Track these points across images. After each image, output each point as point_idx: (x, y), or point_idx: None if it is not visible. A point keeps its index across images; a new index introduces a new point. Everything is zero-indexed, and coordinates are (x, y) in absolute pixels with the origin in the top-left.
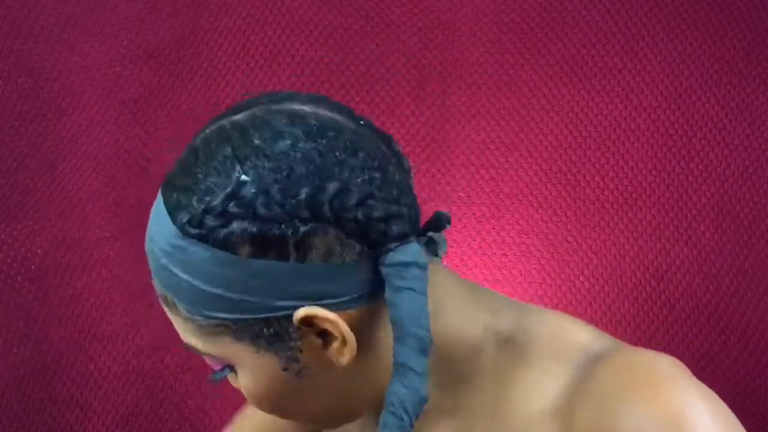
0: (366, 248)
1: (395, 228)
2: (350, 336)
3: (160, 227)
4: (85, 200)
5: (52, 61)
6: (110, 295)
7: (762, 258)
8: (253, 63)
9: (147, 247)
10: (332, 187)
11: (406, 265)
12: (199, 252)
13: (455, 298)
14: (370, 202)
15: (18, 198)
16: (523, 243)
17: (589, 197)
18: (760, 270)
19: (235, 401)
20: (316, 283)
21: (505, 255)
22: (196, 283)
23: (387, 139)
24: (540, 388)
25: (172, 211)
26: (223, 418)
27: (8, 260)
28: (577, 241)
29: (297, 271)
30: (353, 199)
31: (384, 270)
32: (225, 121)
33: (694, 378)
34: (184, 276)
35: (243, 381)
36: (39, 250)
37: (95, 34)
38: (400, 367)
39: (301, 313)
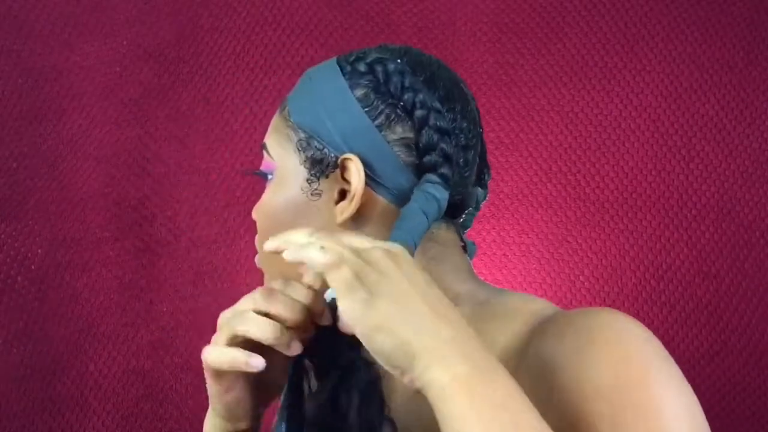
0: (418, 163)
1: (446, 170)
2: (358, 197)
3: (328, 61)
4: (85, 200)
5: (52, 61)
6: (110, 295)
7: (762, 258)
8: (253, 63)
9: (309, 69)
10: (436, 105)
11: (434, 198)
12: (335, 79)
13: (457, 263)
14: (447, 138)
15: (18, 198)
16: (523, 243)
17: (589, 197)
18: (760, 270)
19: None
20: (373, 150)
21: (505, 255)
22: (314, 96)
23: (485, 150)
24: (502, 336)
25: (344, 55)
26: None
27: (8, 260)
28: (577, 241)
29: (371, 133)
30: (442, 123)
31: (416, 191)
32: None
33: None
34: (310, 85)
35: (268, 193)
36: (39, 250)
37: (95, 34)
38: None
39: (346, 155)
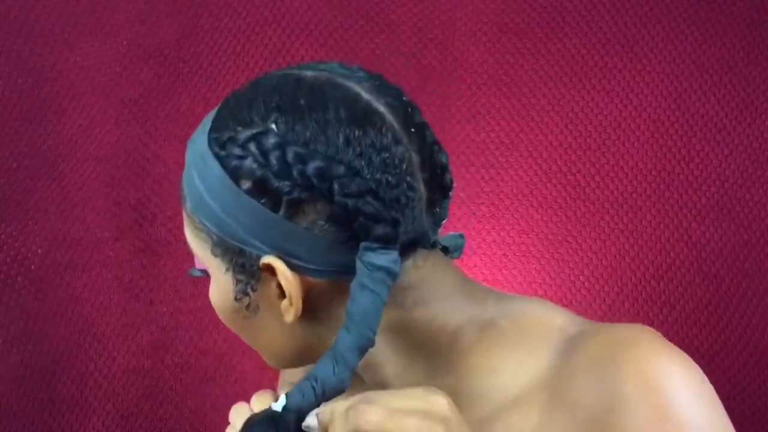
0: (347, 235)
1: (381, 230)
2: (297, 300)
3: (203, 128)
4: (85, 200)
5: (52, 61)
6: (110, 295)
7: (762, 258)
8: (253, 63)
9: (189, 141)
10: (340, 170)
11: (378, 268)
12: (214, 168)
13: (445, 289)
14: (368, 198)
15: (18, 198)
16: (523, 243)
17: (589, 197)
18: (760, 270)
19: (234, 402)
20: (292, 242)
21: (505, 255)
22: (202, 190)
23: (430, 150)
24: (526, 367)
25: (214, 122)
26: (223, 418)
27: (8, 260)
28: (577, 241)
29: (279, 225)
30: (353, 188)
31: (357, 263)
32: (294, 72)
33: (670, 344)
34: (198, 181)
35: (211, 291)
36: (39, 250)
37: (95, 34)
38: (337, 354)
39: (266, 259)
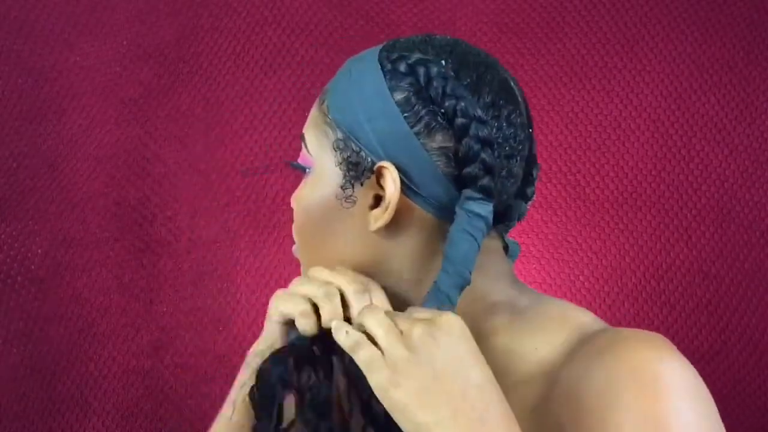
0: (458, 173)
1: (486, 182)
2: (391, 209)
3: (369, 51)
4: (85, 200)
5: (52, 61)
6: (110, 295)
7: (762, 258)
8: (253, 63)
9: (353, 57)
10: (479, 113)
11: (478, 216)
12: (375, 78)
13: (498, 269)
14: (489, 149)
15: (18, 198)
16: (523, 243)
17: (589, 197)
18: (760, 270)
19: None
20: (411, 158)
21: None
22: (353, 93)
23: (532, 155)
24: (539, 353)
25: (386, 46)
26: None
27: (8, 260)
28: (577, 241)
29: (409, 140)
30: (484, 133)
31: (458, 210)
32: (464, 42)
33: (673, 347)
34: (350, 81)
35: (305, 186)
36: (39, 250)
37: (95, 34)
38: (438, 293)
39: (383, 162)
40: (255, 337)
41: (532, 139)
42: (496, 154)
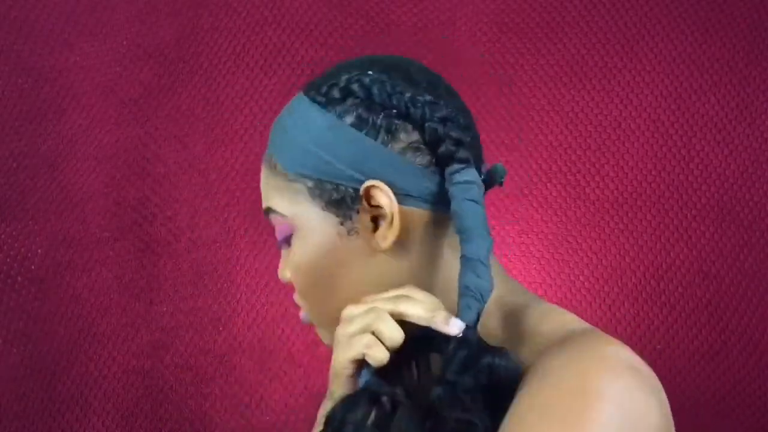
0: (434, 160)
1: (462, 153)
2: (396, 217)
3: (296, 102)
4: (85, 200)
5: (52, 61)
6: (110, 295)
7: (762, 258)
8: (253, 63)
9: (277, 119)
10: (427, 97)
11: (470, 183)
12: (317, 116)
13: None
14: (449, 124)
15: (18, 198)
16: (523, 243)
17: (589, 197)
18: (760, 270)
19: (234, 402)
20: (389, 168)
21: (504, 255)
22: (302, 140)
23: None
24: (525, 351)
25: (309, 88)
26: (223, 419)
27: (8, 260)
28: (577, 241)
29: (378, 152)
30: (440, 112)
31: (450, 189)
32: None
33: (635, 361)
34: (297, 133)
35: (296, 247)
36: (39, 250)
37: (95, 34)
38: (470, 261)
39: (368, 183)
40: (255, 336)
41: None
42: (456, 126)
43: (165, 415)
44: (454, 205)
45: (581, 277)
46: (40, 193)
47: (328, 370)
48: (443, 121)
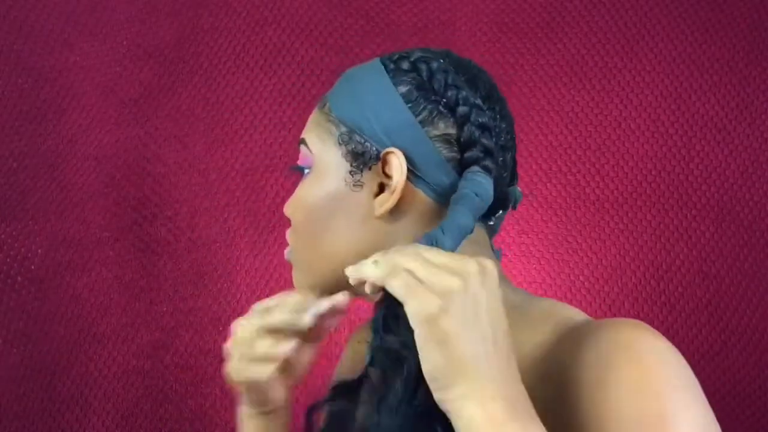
0: (460, 159)
1: (488, 162)
2: (398, 191)
3: (370, 62)
4: (85, 200)
5: (52, 61)
6: (110, 295)
7: (762, 258)
8: (253, 63)
9: (349, 70)
10: (477, 101)
11: (481, 184)
12: (379, 77)
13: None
14: (488, 134)
15: (18, 198)
16: (523, 243)
17: (589, 197)
18: (760, 270)
19: (234, 402)
20: (415, 146)
21: (505, 255)
22: (357, 91)
23: (515, 161)
24: (531, 343)
25: (386, 56)
26: (222, 419)
27: (8, 260)
28: (577, 241)
29: (413, 128)
30: (484, 119)
31: (463, 178)
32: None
33: (654, 330)
34: (356, 84)
35: (304, 187)
36: (39, 250)
37: (95, 34)
38: (442, 231)
39: (390, 149)
40: None
41: (516, 145)
42: (494, 140)
43: (165, 415)
44: (459, 187)
45: (581, 277)
46: (40, 193)
47: (327, 370)
48: (483, 127)
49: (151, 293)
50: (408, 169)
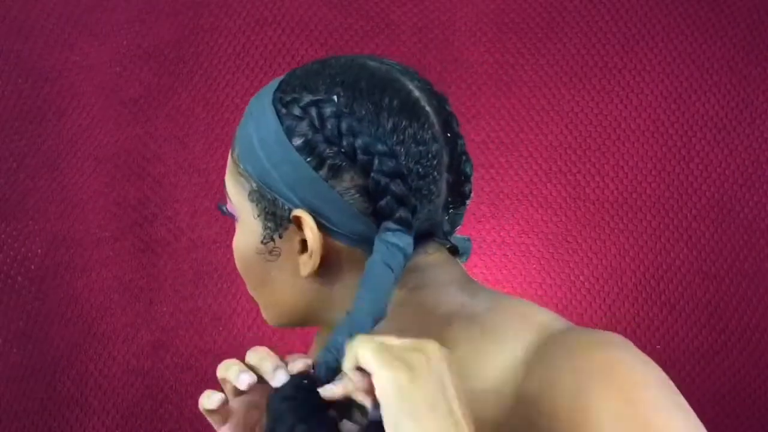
0: (372, 209)
1: (402, 213)
2: (317, 254)
3: (268, 87)
4: (85, 200)
5: (52, 61)
6: (110, 295)
7: (762, 258)
8: (253, 63)
9: (255, 95)
10: (381, 149)
11: (397, 248)
12: (271, 122)
13: (444, 279)
14: (398, 180)
15: (18, 198)
16: (523, 243)
17: (589, 197)
18: (760, 270)
19: None
20: (324, 202)
21: (505, 255)
22: (254, 139)
23: (459, 157)
24: (500, 359)
25: (282, 84)
26: None
27: (8, 260)
28: (577, 241)
29: (317, 184)
30: (389, 168)
31: (377, 241)
32: (359, 59)
33: (630, 344)
34: (252, 130)
35: (236, 234)
36: (39, 250)
37: (95, 34)
38: (352, 322)
39: (297, 212)
40: (255, 336)
41: (454, 142)
42: (409, 181)
43: (165, 415)
44: (369, 260)
45: (581, 277)
46: (40, 193)
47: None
48: (389, 175)
49: (151, 293)
50: (323, 226)
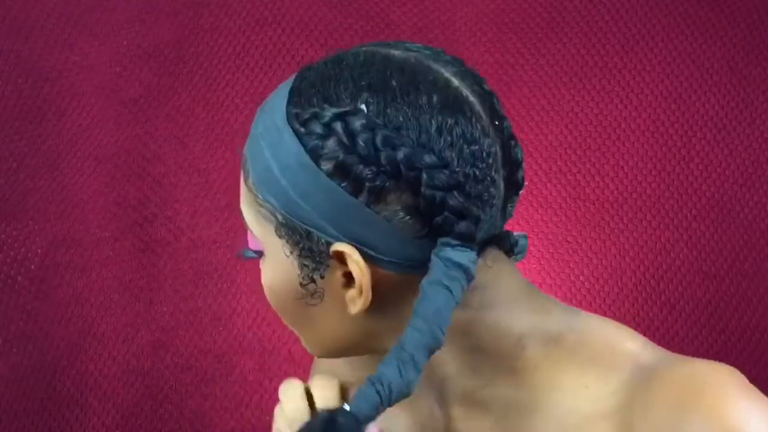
0: (427, 229)
1: (464, 227)
2: (367, 290)
3: (277, 100)
4: (85, 200)
5: (52, 61)
6: (110, 295)
7: (762, 258)
8: (253, 63)
9: (259, 110)
10: (429, 159)
11: (456, 266)
12: (291, 144)
13: (510, 293)
14: (455, 192)
15: (18, 198)
16: None
17: (589, 197)
18: (760, 270)
19: (234, 402)
20: (368, 230)
21: None
22: (272, 165)
23: (509, 144)
24: (592, 392)
25: (294, 94)
26: (222, 419)
27: (8, 260)
28: (577, 241)
29: (358, 211)
30: (442, 180)
31: (434, 258)
32: (380, 49)
33: (752, 387)
34: (268, 154)
35: (264, 271)
36: (39, 250)
37: (95, 34)
38: (405, 355)
39: (339, 246)
40: (255, 336)
41: (502, 129)
42: (467, 189)
43: (165, 415)
44: (424, 280)
45: (581, 277)
46: (40, 193)
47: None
48: (443, 189)
49: (151, 293)
50: (370, 258)
